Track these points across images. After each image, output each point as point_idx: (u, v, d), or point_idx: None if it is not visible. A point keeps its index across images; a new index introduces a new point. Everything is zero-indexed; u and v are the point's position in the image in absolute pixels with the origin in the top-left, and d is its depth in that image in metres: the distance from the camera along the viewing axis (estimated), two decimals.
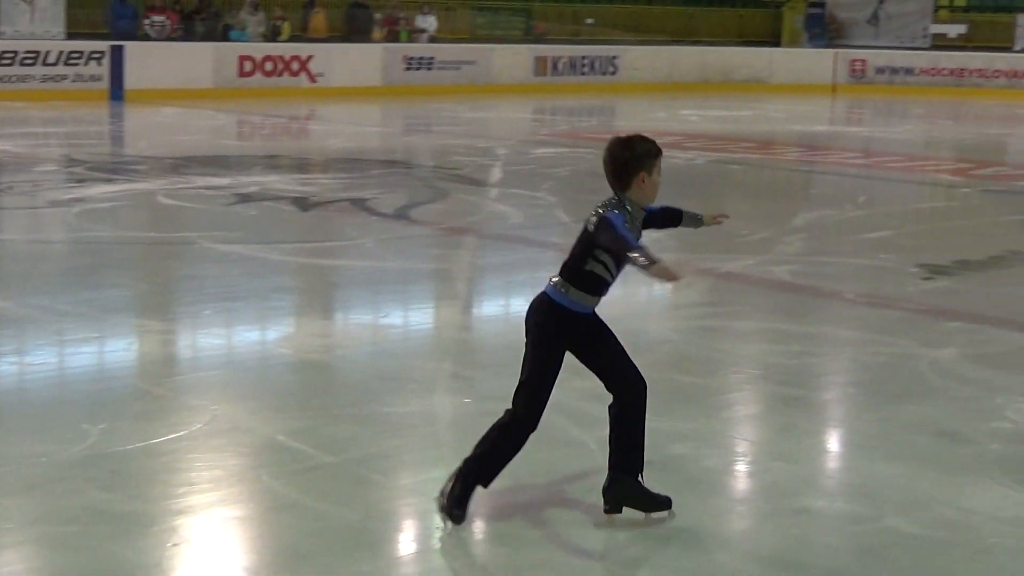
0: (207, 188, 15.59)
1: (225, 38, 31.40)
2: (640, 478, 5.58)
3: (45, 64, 28.27)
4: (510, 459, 5.53)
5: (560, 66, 35.59)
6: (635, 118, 28.93)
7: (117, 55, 28.83)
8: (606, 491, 5.60)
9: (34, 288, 10.28)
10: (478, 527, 5.56)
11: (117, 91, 28.68)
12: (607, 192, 5.37)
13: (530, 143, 22.51)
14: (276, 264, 11.54)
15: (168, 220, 13.93)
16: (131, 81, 28.87)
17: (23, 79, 28.08)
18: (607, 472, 5.59)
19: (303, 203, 14.63)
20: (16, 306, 9.54)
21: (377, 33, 33.73)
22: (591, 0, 40.59)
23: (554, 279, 5.43)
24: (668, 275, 5.16)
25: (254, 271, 11.12)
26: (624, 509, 5.58)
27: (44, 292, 10.09)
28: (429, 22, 34.86)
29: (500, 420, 5.50)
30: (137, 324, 9.22)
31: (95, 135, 23.66)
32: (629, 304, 10.45)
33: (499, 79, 34.29)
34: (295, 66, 31.27)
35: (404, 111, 29.26)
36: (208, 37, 31.28)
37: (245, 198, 14.84)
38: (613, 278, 5.44)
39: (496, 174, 17.93)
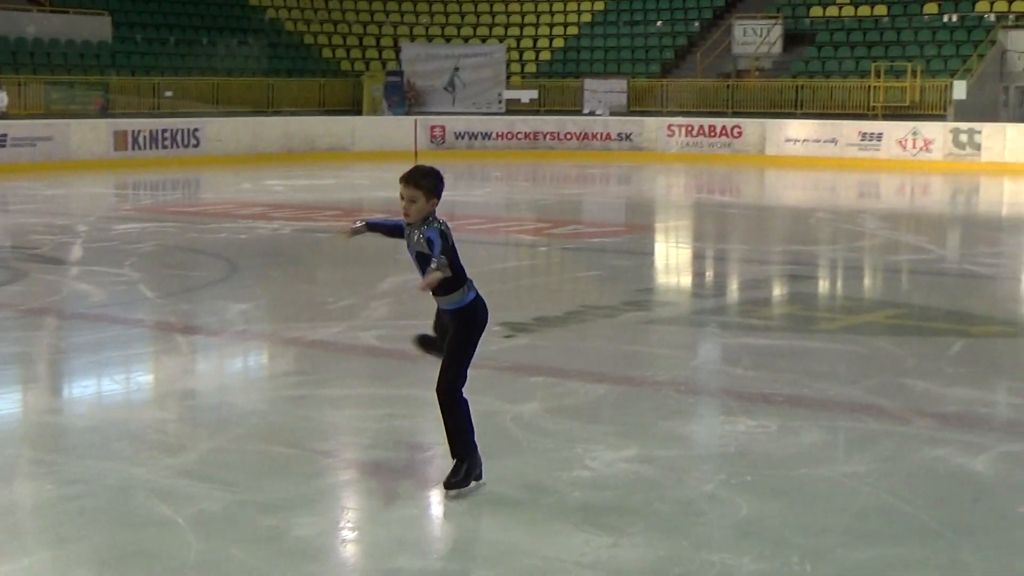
0: None
1: None
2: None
3: None
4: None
5: (141, 140, 34.98)
6: (220, 190, 28.63)
7: None
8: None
9: None
10: None
11: None
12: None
13: (112, 219, 22.00)
14: None
15: None
16: None
17: None
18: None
19: None
20: None
21: None
22: (169, 72, 40.18)
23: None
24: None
25: None
26: None
27: None
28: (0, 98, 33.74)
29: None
30: None
31: None
32: (217, 378, 10.37)
33: (77, 155, 33.43)
34: None
35: None
36: None
37: None
38: None
39: (76, 252, 17.44)
